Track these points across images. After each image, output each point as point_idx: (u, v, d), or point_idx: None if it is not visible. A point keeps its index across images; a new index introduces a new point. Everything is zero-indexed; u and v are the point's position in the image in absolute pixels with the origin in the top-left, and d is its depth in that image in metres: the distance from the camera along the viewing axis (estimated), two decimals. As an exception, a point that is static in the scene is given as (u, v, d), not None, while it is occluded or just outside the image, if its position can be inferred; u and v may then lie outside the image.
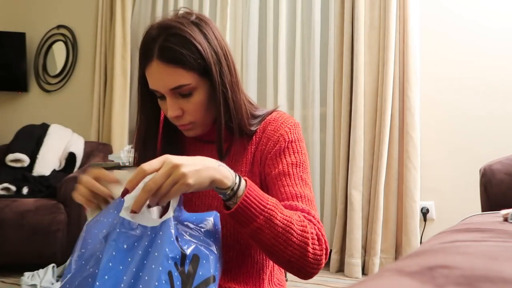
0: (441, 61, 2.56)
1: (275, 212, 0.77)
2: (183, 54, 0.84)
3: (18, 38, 3.75)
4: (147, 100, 0.94)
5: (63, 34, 3.76)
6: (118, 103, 3.27)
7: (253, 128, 0.95)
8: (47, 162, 2.94)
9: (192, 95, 0.87)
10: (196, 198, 0.95)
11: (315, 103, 2.74)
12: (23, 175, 2.80)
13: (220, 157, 0.90)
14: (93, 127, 3.38)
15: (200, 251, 0.72)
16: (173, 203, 0.73)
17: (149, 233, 0.72)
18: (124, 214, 0.73)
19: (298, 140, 0.94)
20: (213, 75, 0.86)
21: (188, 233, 0.74)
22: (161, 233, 0.71)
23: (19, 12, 3.98)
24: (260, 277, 0.96)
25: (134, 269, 0.68)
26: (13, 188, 2.70)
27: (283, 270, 1.09)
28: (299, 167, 0.91)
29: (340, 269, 2.55)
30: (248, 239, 0.87)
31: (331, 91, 2.69)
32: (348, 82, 2.57)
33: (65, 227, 2.52)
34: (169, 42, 0.84)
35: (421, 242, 2.45)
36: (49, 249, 2.46)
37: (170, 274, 0.67)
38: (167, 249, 0.68)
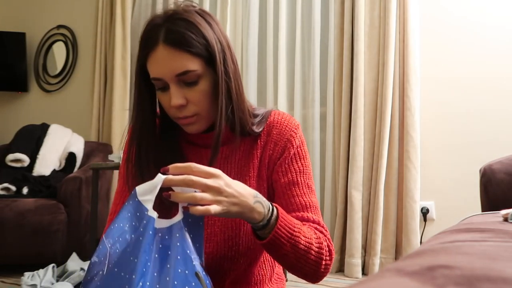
0: (441, 61, 2.56)
1: (300, 238, 0.80)
2: (191, 38, 0.81)
3: (18, 38, 3.75)
4: (146, 96, 0.89)
5: (63, 34, 3.76)
6: (118, 103, 3.27)
7: (255, 129, 0.92)
8: (47, 162, 2.94)
9: (197, 83, 0.84)
10: None
11: (315, 103, 2.74)
12: (23, 175, 2.80)
13: (213, 156, 0.86)
14: (93, 127, 3.38)
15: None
16: (182, 204, 0.73)
17: (166, 237, 0.71)
18: (155, 217, 0.72)
19: (302, 144, 0.96)
20: (217, 63, 0.83)
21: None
22: (177, 235, 0.70)
23: (19, 12, 3.98)
24: (262, 280, 0.97)
25: (162, 275, 0.68)
26: (13, 188, 2.70)
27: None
28: (306, 174, 0.93)
29: (340, 269, 2.55)
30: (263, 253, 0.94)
31: (331, 91, 2.69)
32: (348, 82, 2.57)
33: (65, 227, 2.52)
34: (176, 26, 0.82)
35: (421, 242, 2.45)
36: (49, 249, 2.46)
37: (198, 275, 0.67)
38: (188, 251, 0.68)
